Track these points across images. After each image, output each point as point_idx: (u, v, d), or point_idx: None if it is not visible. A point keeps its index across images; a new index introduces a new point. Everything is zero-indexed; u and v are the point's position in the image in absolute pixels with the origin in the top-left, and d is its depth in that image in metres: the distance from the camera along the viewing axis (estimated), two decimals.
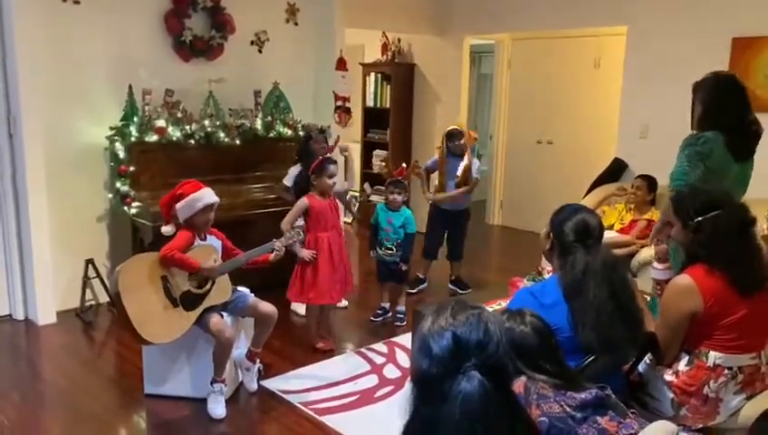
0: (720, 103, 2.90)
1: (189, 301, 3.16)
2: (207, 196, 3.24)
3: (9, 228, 4.36)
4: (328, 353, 3.98)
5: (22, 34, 4.07)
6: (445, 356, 1.29)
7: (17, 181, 4.30)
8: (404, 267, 4.42)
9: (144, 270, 3.12)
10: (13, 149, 4.27)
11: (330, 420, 3.19)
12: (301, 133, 5.08)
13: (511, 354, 1.80)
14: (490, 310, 2.33)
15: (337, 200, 4.12)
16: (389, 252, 4.39)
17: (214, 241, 3.36)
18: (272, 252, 3.36)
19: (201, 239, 3.29)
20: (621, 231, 4.73)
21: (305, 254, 3.83)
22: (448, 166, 4.93)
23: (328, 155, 4.21)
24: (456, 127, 4.95)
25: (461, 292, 5.09)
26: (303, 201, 3.88)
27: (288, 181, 4.53)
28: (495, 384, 1.28)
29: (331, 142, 4.85)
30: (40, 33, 4.20)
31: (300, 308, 4.64)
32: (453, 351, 1.29)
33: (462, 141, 4.87)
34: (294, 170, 4.54)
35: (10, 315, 4.46)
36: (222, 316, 3.26)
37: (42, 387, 3.58)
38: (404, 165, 4.62)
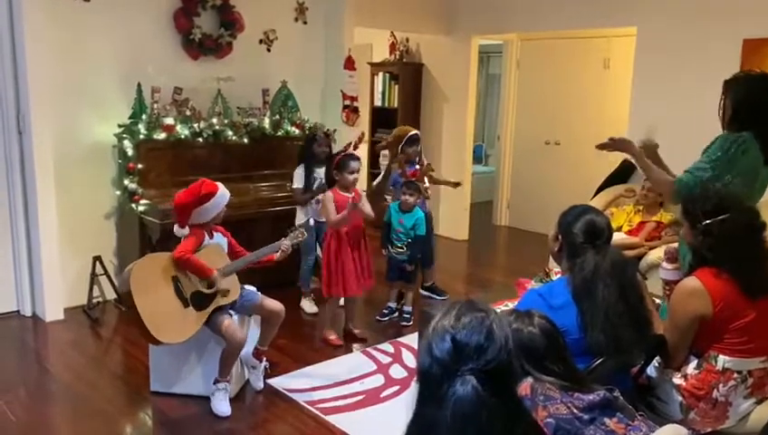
0: (753, 103, 2.81)
1: (199, 301, 3.16)
2: (227, 191, 3.30)
3: (18, 225, 4.38)
4: (335, 352, 3.99)
5: (32, 32, 4.08)
6: (444, 358, 1.29)
7: (26, 178, 4.32)
8: (409, 268, 4.43)
9: (155, 270, 3.12)
10: (22, 146, 4.29)
11: (335, 420, 3.19)
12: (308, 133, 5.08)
13: (518, 356, 1.80)
14: (499, 310, 2.32)
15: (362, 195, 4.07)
16: (400, 250, 4.40)
17: (220, 239, 3.37)
18: (278, 251, 3.37)
19: (209, 237, 3.30)
20: (630, 233, 4.69)
21: (343, 215, 3.83)
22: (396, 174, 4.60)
23: (350, 151, 4.22)
24: (416, 131, 4.63)
25: (437, 298, 4.97)
26: (329, 195, 3.96)
27: (297, 183, 4.53)
28: (494, 389, 1.28)
29: (339, 141, 4.81)
30: (49, 31, 4.22)
31: (308, 306, 4.65)
32: (452, 353, 1.29)
33: (418, 148, 4.62)
34: (300, 171, 4.54)
35: (18, 311, 4.48)
36: (231, 316, 3.26)
37: (48, 383, 3.59)
38: (416, 167, 4.60)
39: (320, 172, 4.56)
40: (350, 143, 4.58)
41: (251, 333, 3.52)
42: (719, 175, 2.67)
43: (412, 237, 4.37)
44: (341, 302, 4.36)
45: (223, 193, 3.26)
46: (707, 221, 2.33)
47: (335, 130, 5.38)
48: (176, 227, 3.31)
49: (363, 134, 4.94)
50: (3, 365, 3.76)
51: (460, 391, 1.26)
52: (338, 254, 3.97)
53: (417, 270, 4.59)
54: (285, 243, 3.38)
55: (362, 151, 7.03)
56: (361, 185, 6.77)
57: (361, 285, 4.09)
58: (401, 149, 4.56)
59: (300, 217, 4.55)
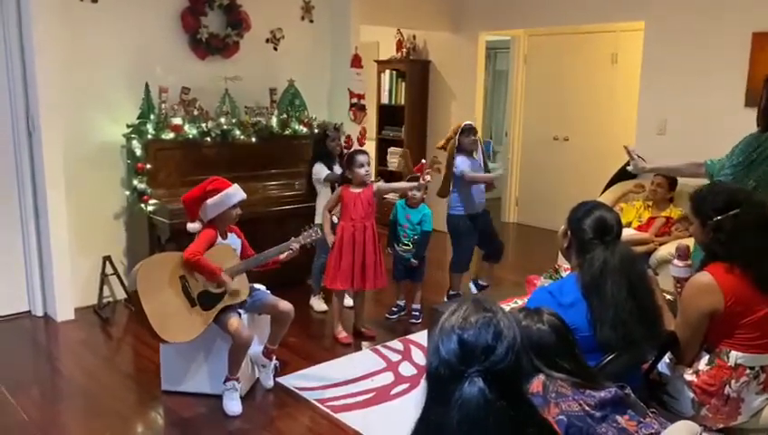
0: None
1: (207, 300, 3.17)
2: (239, 192, 3.30)
3: (28, 225, 4.41)
4: (345, 350, 4.00)
5: (40, 33, 4.10)
6: (451, 359, 1.27)
7: (36, 179, 4.34)
8: (415, 263, 4.42)
9: (163, 269, 3.13)
10: (32, 147, 4.32)
11: (345, 418, 3.19)
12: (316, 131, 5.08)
13: (528, 354, 1.79)
14: (507, 309, 2.31)
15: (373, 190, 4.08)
16: (406, 248, 4.40)
17: (234, 239, 3.38)
18: (289, 251, 3.37)
19: (222, 238, 3.31)
20: (639, 229, 4.67)
21: (329, 239, 4.03)
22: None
23: (356, 147, 4.25)
24: (471, 122, 4.80)
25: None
26: (338, 190, 4.10)
27: (323, 173, 4.47)
28: (502, 391, 1.25)
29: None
30: (58, 32, 4.23)
31: (317, 304, 4.66)
32: (458, 354, 1.26)
33: (476, 137, 4.74)
34: (318, 166, 4.49)
35: (29, 311, 4.51)
36: (240, 315, 3.27)
37: (60, 382, 3.62)
38: (423, 161, 4.59)
39: (336, 169, 4.52)
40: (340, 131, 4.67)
41: (261, 333, 3.53)
42: (740, 180, 2.68)
43: (418, 233, 4.36)
44: (347, 301, 4.34)
45: (233, 192, 3.27)
46: (718, 217, 2.31)
47: (342, 124, 5.39)
48: (188, 223, 3.33)
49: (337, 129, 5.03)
50: (15, 365, 3.79)
51: (467, 394, 1.24)
52: (340, 247, 3.99)
53: (423, 267, 4.57)
54: (294, 245, 3.37)
55: (370, 149, 7.07)
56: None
57: (363, 282, 4.03)
58: (458, 140, 4.63)
59: (319, 216, 4.51)
